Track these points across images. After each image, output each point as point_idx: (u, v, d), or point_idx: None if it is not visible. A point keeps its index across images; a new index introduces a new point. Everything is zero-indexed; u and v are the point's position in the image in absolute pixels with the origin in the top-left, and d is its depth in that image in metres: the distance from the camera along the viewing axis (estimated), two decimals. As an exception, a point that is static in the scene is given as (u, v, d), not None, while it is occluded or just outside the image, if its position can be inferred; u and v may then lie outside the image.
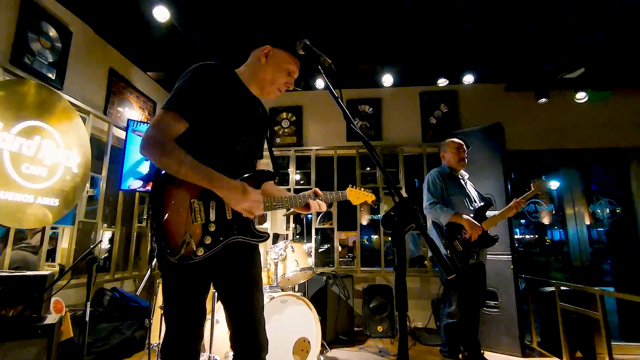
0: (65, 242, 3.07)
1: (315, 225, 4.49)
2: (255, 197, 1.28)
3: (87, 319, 2.09)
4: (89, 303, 2.10)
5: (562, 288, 3.12)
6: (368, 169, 4.79)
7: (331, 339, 3.46)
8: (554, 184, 4.78)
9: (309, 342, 2.60)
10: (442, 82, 4.34)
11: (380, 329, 3.70)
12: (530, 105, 4.45)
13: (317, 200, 1.53)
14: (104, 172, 3.43)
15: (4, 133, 2.36)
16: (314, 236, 4.47)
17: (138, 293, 2.83)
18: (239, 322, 1.33)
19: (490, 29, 3.39)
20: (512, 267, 3.32)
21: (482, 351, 2.76)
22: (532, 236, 5.17)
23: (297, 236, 4.62)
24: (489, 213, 2.77)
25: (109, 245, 3.69)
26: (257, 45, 1.46)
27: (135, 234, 3.91)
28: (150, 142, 1.20)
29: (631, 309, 4.12)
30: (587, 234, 4.34)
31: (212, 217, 1.26)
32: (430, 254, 3.65)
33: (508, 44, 3.63)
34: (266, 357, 1.35)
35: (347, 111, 1.14)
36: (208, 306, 1.42)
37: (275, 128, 4.84)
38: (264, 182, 1.42)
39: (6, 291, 1.93)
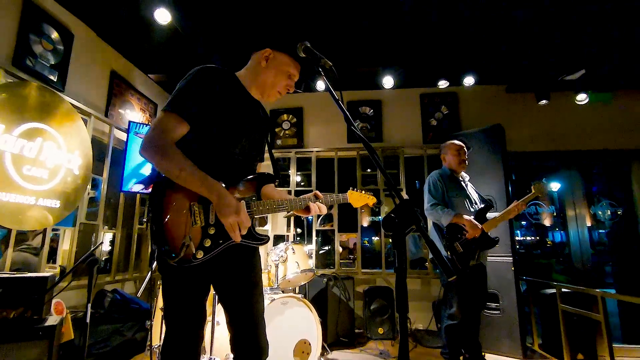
0: (66, 244, 3.08)
1: (316, 227, 4.49)
2: (244, 217, 1.24)
3: (88, 320, 2.09)
4: (89, 305, 2.10)
5: (563, 290, 3.11)
6: (369, 170, 4.79)
7: (332, 341, 3.45)
8: (555, 186, 4.77)
9: (310, 344, 2.60)
10: (443, 83, 4.35)
11: (381, 331, 3.69)
12: (530, 106, 4.45)
13: (317, 202, 1.53)
14: (105, 174, 3.44)
15: (5, 135, 2.37)
16: (314, 238, 4.46)
17: (139, 295, 2.84)
18: (239, 325, 1.33)
19: (491, 30, 3.40)
20: (513, 269, 3.32)
21: (483, 353, 2.75)
22: (533, 238, 5.16)
23: (298, 238, 4.62)
24: (489, 215, 2.77)
25: (110, 247, 3.70)
26: (258, 49, 1.46)
27: (136, 235, 3.91)
28: (151, 144, 1.20)
29: (633, 311, 4.10)
30: (588, 235, 4.33)
31: (212, 220, 1.26)
32: (431, 255, 3.64)
33: (508, 45, 3.63)
34: (267, 359, 1.35)
35: (348, 113, 1.14)
36: (209, 308, 1.43)
37: (276, 130, 4.84)
38: (265, 185, 1.42)
39: (7, 292, 1.93)
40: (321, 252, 4.80)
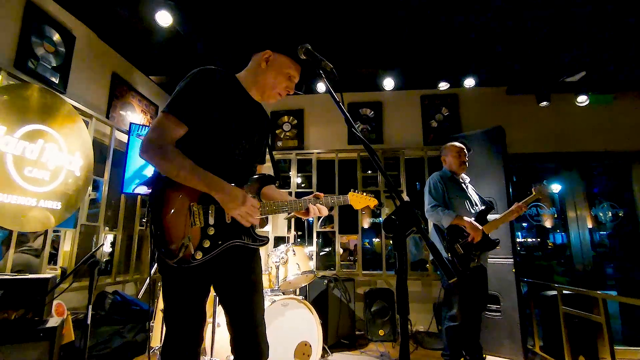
0: (67, 245, 3.08)
1: (316, 228, 4.49)
2: (253, 203, 1.28)
3: (88, 322, 2.09)
4: (90, 306, 2.10)
5: (564, 292, 3.11)
6: (369, 172, 4.79)
7: (332, 343, 3.45)
8: (555, 187, 4.76)
9: (310, 346, 2.60)
10: (443, 85, 4.35)
11: (381, 332, 3.68)
12: (531, 108, 4.45)
13: (317, 204, 1.53)
14: (106, 176, 3.44)
15: (7, 137, 2.38)
16: (315, 239, 4.46)
17: (139, 296, 2.84)
18: (239, 327, 1.33)
19: (491, 32, 3.40)
20: (514, 270, 3.31)
21: (484, 355, 2.75)
22: (534, 239, 5.15)
23: (299, 239, 4.61)
24: (490, 217, 2.77)
25: (111, 249, 3.70)
26: (258, 50, 1.47)
27: (136, 237, 3.91)
28: (150, 145, 1.21)
29: (634, 313, 4.09)
30: (589, 237, 4.32)
31: (211, 221, 1.26)
32: (431, 257, 3.64)
33: (509, 47, 3.64)
34: (267, 361, 1.35)
35: (349, 115, 1.15)
36: (209, 310, 1.42)
37: (277, 131, 4.85)
38: (265, 186, 1.43)
39: (8, 294, 1.93)
40: (322, 253, 4.80)
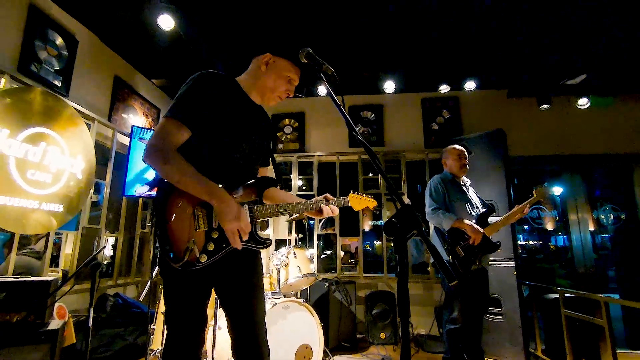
0: (69, 248, 3.09)
1: (317, 231, 4.49)
2: (245, 223, 1.24)
3: (90, 324, 2.10)
4: (92, 309, 2.10)
5: (566, 295, 3.10)
6: (370, 174, 4.79)
7: (333, 346, 3.44)
8: (557, 190, 4.76)
9: (311, 349, 2.59)
10: (444, 88, 4.36)
11: (383, 335, 3.67)
12: (532, 111, 4.45)
13: (329, 205, 1.55)
14: (108, 178, 3.45)
15: (10, 139, 2.39)
16: (316, 242, 4.46)
17: (141, 299, 2.84)
18: (240, 330, 1.33)
19: (492, 35, 3.41)
20: (515, 273, 3.30)
21: (485, 359, 2.74)
22: (535, 242, 5.14)
23: (300, 242, 4.61)
24: (491, 219, 2.76)
25: (112, 251, 3.70)
26: (258, 53, 1.48)
27: (138, 239, 3.92)
28: (153, 151, 1.22)
29: (637, 316, 4.07)
30: (591, 240, 4.31)
31: (215, 224, 1.27)
32: (432, 260, 3.63)
33: (509, 50, 3.65)
34: (268, 364, 1.35)
35: (349, 118, 1.15)
36: (210, 312, 1.43)
37: (278, 134, 4.86)
38: (267, 189, 1.43)
39: (10, 297, 1.94)
40: (323, 256, 4.80)
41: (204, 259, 1.22)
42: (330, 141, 4.78)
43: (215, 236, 1.26)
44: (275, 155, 1.66)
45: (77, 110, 2.99)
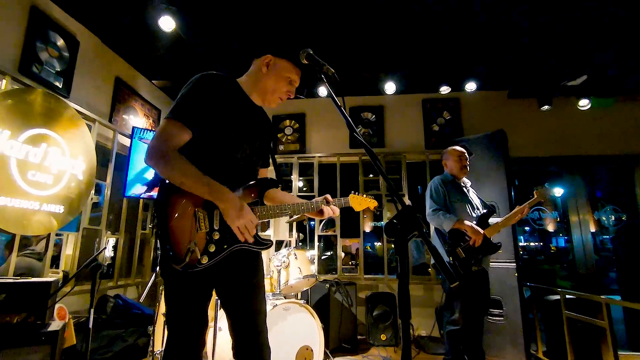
0: (70, 249, 3.09)
1: (318, 232, 4.48)
2: (252, 218, 1.27)
3: (90, 325, 2.10)
4: (92, 310, 2.10)
5: (567, 296, 3.09)
6: (371, 175, 4.79)
7: (334, 347, 3.43)
8: (558, 191, 4.75)
9: (312, 351, 2.59)
10: (445, 89, 4.36)
11: (383, 337, 3.67)
12: (533, 112, 4.45)
13: (331, 205, 1.55)
14: (109, 179, 3.46)
15: (11, 141, 2.39)
16: (317, 243, 4.46)
17: (141, 300, 2.83)
18: (241, 331, 1.33)
19: (492, 36, 3.41)
20: (516, 274, 3.29)
21: (486, 360, 2.73)
22: (536, 243, 5.13)
23: (300, 243, 4.59)
24: (491, 220, 2.76)
25: (113, 252, 3.70)
26: (259, 55, 1.48)
27: (138, 240, 3.92)
28: (155, 152, 1.22)
29: (638, 317, 4.06)
30: (592, 241, 4.30)
31: (216, 225, 1.27)
32: (433, 261, 3.63)
33: (510, 51, 3.65)
34: (269, 365, 1.35)
35: (350, 119, 1.15)
36: (211, 313, 1.43)
37: (279, 135, 4.87)
38: (267, 190, 1.43)
39: (11, 298, 1.94)
40: (323, 257, 4.79)
41: (205, 260, 1.23)
42: (330, 142, 4.78)
43: (216, 237, 1.26)
44: (275, 156, 1.66)
45: (78, 112, 2.99)
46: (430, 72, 4.20)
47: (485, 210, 2.79)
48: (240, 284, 1.35)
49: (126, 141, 3.66)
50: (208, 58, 3.61)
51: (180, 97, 1.31)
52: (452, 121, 4.62)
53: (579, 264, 4.27)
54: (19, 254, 2.60)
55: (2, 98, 2.37)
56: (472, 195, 2.90)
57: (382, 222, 5.03)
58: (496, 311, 3.38)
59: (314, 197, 1.42)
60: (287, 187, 4.70)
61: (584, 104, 4.30)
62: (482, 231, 2.60)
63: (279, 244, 4.44)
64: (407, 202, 4.37)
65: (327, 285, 3.64)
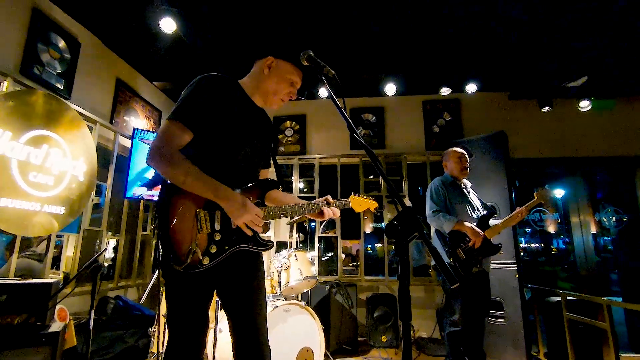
0: (70, 250, 3.09)
1: (318, 233, 4.48)
2: (257, 212, 1.29)
3: (91, 327, 2.09)
4: (93, 311, 2.10)
5: (568, 298, 3.08)
6: (372, 177, 4.79)
7: (335, 349, 3.43)
8: (558, 192, 4.75)
9: (313, 352, 2.58)
10: (445, 90, 4.36)
11: (384, 338, 3.66)
12: (533, 113, 4.45)
13: (331, 207, 1.55)
14: (110, 181, 3.46)
15: (12, 142, 2.40)
16: (317, 245, 4.46)
17: (142, 301, 2.84)
18: (241, 332, 1.33)
19: (493, 37, 3.41)
20: (517, 276, 3.29)
21: (487, 362, 2.72)
22: (537, 245, 5.12)
23: (301, 245, 4.60)
24: (492, 221, 2.76)
25: (113, 253, 3.70)
26: (261, 56, 1.48)
27: (139, 242, 3.92)
28: (157, 153, 1.22)
29: (640, 319, 4.05)
30: (593, 242, 4.29)
31: (218, 226, 1.27)
32: (433, 262, 3.62)
33: (511, 52, 3.65)
34: (269, 366, 1.34)
35: (351, 120, 1.15)
36: (211, 315, 1.43)
37: (279, 136, 4.87)
38: (268, 191, 1.43)
39: (11, 299, 1.94)
40: (324, 258, 4.79)
41: (206, 261, 1.23)
42: (331, 143, 4.78)
43: (217, 238, 1.26)
44: (276, 157, 1.66)
45: (79, 113, 3.00)
46: (431, 74, 4.20)
47: (485, 212, 2.79)
48: (241, 285, 1.35)
49: (127, 142, 3.66)
50: (209, 59, 3.61)
51: (182, 98, 1.31)
52: (452, 122, 4.62)
53: (580, 265, 4.26)
54: (20, 255, 2.60)
55: (4, 99, 2.38)
56: (473, 197, 2.90)
57: (383, 224, 5.03)
58: (497, 312, 3.37)
59: (314, 198, 1.43)
60: (288, 188, 4.71)
61: (585, 105, 4.30)
62: (482, 232, 2.60)
63: (280, 245, 4.44)
64: (408, 203, 4.38)
65: (328, 286, 3.63)
